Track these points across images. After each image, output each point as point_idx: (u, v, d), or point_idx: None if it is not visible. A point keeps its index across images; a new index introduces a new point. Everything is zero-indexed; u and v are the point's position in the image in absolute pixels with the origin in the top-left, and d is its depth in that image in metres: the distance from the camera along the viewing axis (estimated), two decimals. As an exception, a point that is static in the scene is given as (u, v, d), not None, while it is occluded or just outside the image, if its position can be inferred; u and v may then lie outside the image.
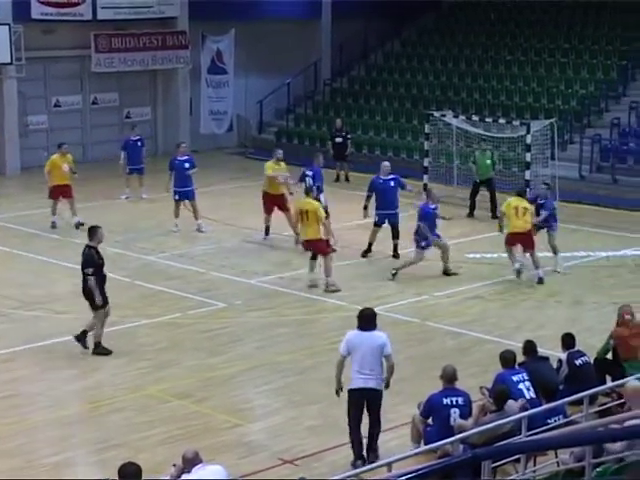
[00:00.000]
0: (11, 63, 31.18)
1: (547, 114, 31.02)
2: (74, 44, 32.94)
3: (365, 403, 13.00)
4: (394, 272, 20.79)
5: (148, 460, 12.09)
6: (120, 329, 17.91)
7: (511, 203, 20.98)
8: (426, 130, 29.37)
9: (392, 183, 22.53)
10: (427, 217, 20.80)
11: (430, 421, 12.83)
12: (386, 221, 22.16)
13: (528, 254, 20.88)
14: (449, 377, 12.86)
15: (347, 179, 31.14)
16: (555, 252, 21.59)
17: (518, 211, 20.74)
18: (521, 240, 20.79)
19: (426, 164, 28.95)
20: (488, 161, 26.87)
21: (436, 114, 29.55)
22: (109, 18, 32.95)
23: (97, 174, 30.91)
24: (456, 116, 29.44)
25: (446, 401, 12.70)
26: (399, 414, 14.04)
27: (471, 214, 26.68)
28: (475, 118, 29.21)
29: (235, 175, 32.14)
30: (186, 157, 25.14)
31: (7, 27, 30.75)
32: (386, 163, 23.22)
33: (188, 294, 19.98)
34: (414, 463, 10.82)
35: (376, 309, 18.56)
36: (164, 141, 35.65)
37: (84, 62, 33.52)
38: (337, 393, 13.12)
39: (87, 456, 13.53)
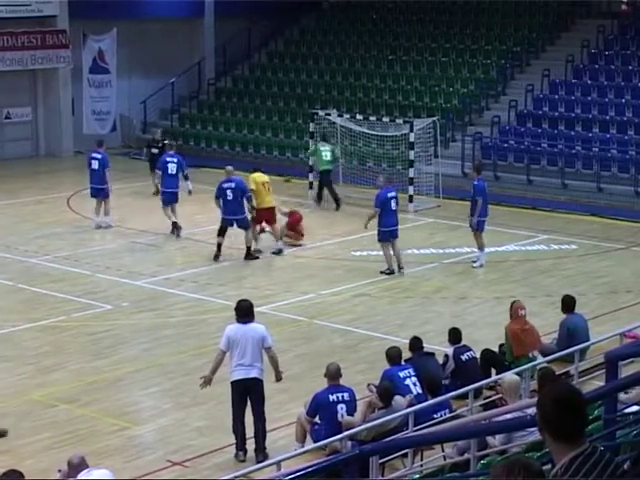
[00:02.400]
0: None
1: (429, 112, 31.41)
2: (-50, 43, 32.16)
3: (248, 395, 13.04)
4: None
5: (33, 466, 11.87)
6: (2, 333, 17.56)
7: (256, 179, 22.40)
8: (311, 129, 29.48)
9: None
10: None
11: (317, 419, 12.87)
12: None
13: (269, 228, 22.41)
14: (333, 374, 12.93)
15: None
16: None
17: (265, 186, 22.47)
18: (267, 216, 22.35)
19: (311, 163, 29.03)
20: (327, 154, 27.40)
21: (321, 113, 29.68)
22: (-14, 17, 32.27)
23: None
24: (340, 115, 29.62)
25: (332, 398, 12.76)
26: (287, 413, 14.06)
27: (319, 202, 27.60)
28: (359, 117, 29.43)
29: (120, 176, 31.71)
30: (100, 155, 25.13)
31: None
32: (229, 167, 22.81)
33: (73, 297, 19.69)
34: (303, 462, 10.86)
35: (263, 308, 18.81)
36: (46, 142, 35.07)
37: (-39, 62, 32.76)
38: (206, 384, 13.10)
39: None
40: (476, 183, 21.76)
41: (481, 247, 21.83)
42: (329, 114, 29.53)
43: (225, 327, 13.21)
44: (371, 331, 17.95)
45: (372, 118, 29.42)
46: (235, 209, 21.86)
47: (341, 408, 12.72)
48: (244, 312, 13.19)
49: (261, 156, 33.76)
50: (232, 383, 13.06)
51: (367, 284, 20.72)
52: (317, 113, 29.71)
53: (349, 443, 11.48)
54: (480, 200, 21.49)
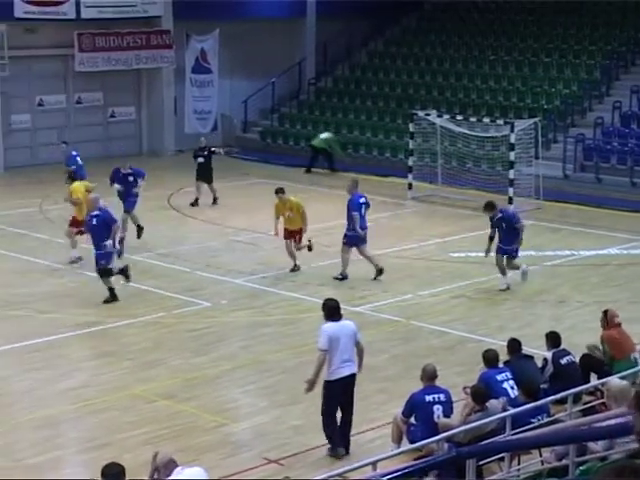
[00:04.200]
0: (-6, 62, 31.07)
1: (531, 113, 31.10)
2: (58, 43, 32.84)
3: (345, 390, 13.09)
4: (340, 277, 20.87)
5: (132, 460, 12.03)
6: (105, 329, 17.87)
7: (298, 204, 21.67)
8: (410, 129, 29.42)
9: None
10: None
11: (413, 420, 12.82)
12: None
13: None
14: (430, 375, 12.87)
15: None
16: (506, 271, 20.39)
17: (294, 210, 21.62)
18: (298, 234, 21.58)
19: (410, 163, 28.99)
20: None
21: (420, 113, 29.59)
22: (93, 17, 32.87)
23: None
24: (440, 115, 29.49)
25: (429, 398, 12.71)
26: (383, 413, 14.04)
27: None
28: (459, 117, 29.27)
29: (219, 175, 32.02)
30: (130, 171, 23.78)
31: (-10, 26, 30.63)
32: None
33: (173, 294, 19.94)
34: (399, 462, 10.83)
35: (360, 308, 18.86)
36: (148, 140, 35.60)
37: (68, 61, 33.43)
38: (311, 388, 13.12)
39: (71, 456, 13.47)
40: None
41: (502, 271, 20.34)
42: (429, 114, 29.43)
43: (321, 328, 13.18)
44: (468, 333, 17.83)
45: (472, 119, 29.27)
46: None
47: (437, 409, 12.66)
48: (336, 310, 13.22)
49: (360, 156, 33.82)
50: (333, 382, 13.05)
51: (465, 285, 20.59)
52: (417, 113, 29.63)
53: (445, 445, 11.41)
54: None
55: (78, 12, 32.45)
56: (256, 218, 25.57)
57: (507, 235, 20.11)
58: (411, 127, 29.38)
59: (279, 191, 21.77)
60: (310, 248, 21.57)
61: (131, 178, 23.50)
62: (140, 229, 23.49)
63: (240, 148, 35.92)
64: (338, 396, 13.10)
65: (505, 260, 20.24)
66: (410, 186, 28.63)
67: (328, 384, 13.05)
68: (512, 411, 12.07)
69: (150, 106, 35.51)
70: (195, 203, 27.40)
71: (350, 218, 20.80)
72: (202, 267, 21.75)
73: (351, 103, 36.61)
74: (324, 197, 28.30)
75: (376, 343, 17.30)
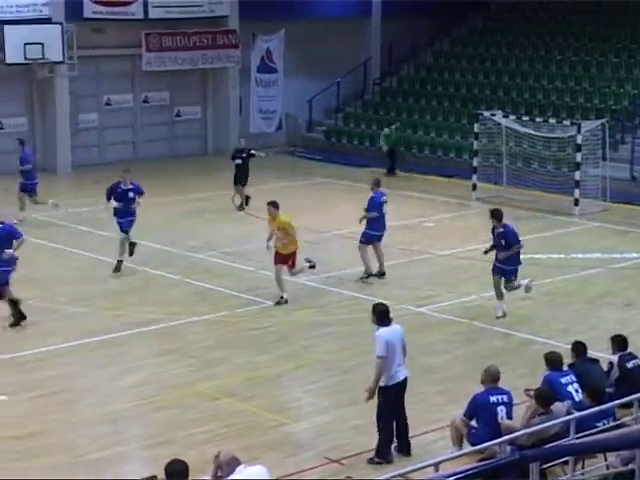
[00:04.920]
0: (63, 62, 31.39)
1: (598, 114, 30.73)
2: (125, 43, 33.11)
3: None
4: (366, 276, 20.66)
5: (195, 458, 12.05)
6: (168, 326, 17.96)
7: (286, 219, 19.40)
8: (475, 130, 29.23)
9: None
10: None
11: (474, 422, 12.69)
12: None
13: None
14: (494, 376, 12.75)
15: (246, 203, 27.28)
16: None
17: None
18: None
19: (475, 164, 28.81)
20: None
21: (486, 114, 29.39)
22: (160, 17, 33.11)
23: (147, 172, 31.03)
24: (506, 116, 29.26)
25: (493, 399, 12.59)
26: (446, 414, 13.91)
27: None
28: (525, 118, 29.02)
29: (284, 174, 32.13)
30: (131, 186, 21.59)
31: (60, 26, 30.96)
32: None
33: (236, 292, 19.98)
34: (460, 464, 10.74)
35: (424, 309, 18.77)
36: (214, 140, 35.76)
37: (135, 61, 33.70)
38: (372, 397, 13.02)
39: (134, 452, 13.54)
40: None
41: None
42: (494, 115, 29.22)
43: (377, 334, 13.07)
44: (532, 335, 17.65)
45: (538, 119, 28.99)
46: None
47: (501, 410, 12.53)
48: (386, 314, 13.15)
49: (424, 156, 33.68)
50: (391, 387, 12.98)
51: (530, 287, 20.36)
52: (482, 114, 29.43)
53: (508, 447, 11.29)
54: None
55: (146, 12, 32.72)
56: (320, 217, 25.57)
57: (505, 253, 18.44)
58: (476, 127, 29.19)
59: (270, 204, 19.46)
60: (313, 266, 19.95)
61: (131, 194, 21.31)
62: (133, 245, 21.34)
63: (304, 148, 35.93)
64: (395, 398, 13.05)
65: (503, 282, 18.56)
66: (474, 187, 28.45)
67: (385, 390, 12.98)
68: (577, 414, 11.91)
69: (215, 105, 35.67)
70: (241, 207, 26.88)
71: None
72: (265, 266, 21.72)
73: (416, 103, 36.46)
74: (397, 197, 27.99)
75: (438, 344, 17.22)
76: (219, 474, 10.39)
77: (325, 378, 15.87)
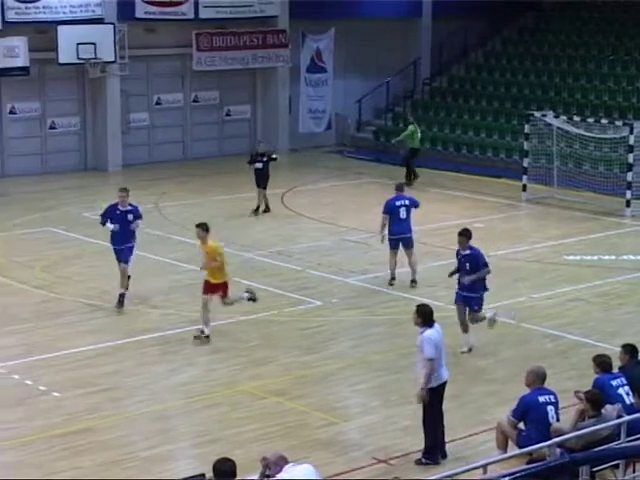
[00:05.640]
0: (115, 62, 31.64)
1: (651, 114, 30.45)
2: (176, 43, 33.31)
3: None
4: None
5: (242, 456, 12.12)
6: (218, 325, 18.02)
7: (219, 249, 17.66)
8: (526, 130, 29.05)
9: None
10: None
11: (522, 425, 12.60)
12: None
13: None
14: (542, 376, 12.69)
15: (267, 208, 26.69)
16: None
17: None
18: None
19: (525, 164, 28.65)
20: (419, 134, 30.78)
21: (537, 114, 29.20)
22: (211, 17, 33.27)
23: (198, 172, 31.22)
24: (557, 116, 29.07)
25: (542, 399, 12.51)
26: (493, 416, 13.86)
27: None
28: (577, 118, 28.81)
29: (333, 174, 32.16)
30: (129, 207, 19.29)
31: (112, 26, 31.22)
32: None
33: (285, 292, 20.04)
34: (508, 467, 10.70)
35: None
36: (263, 139, 35.76)
37: (185, 60, 33.87)
38: (424, 400, 13.01)
39: (182, 450, 13.62)
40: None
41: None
42: (545, 115, 29.03)
43: (425, 336, 13.04)
44: (583, 337, 17.53)
45: (590, 120, 28.75)
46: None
47: (550, 410, 12.46)
48: (431, 315, 13.14)
49: (474, 156, 33.55)
50: (438, 387, 13.01)
51: (580, 289, 20.24)
52: (533, 114, 29.24)
53: (557, 450, 11.22)
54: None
55: (196, 12, 32.89)
56: (368, 217, 25.51)
57: (470, 278, 16.75)
58: (527, 128, 29.00)
59: (199, 226, 17.52)
60: (253, 299, 17.87)
61: (130, 216, 18.99)
62: (127, 278, 19.15)
63: (354, 147, 35.92)
64: (440, 399, 13.09)
65: (467, 313, 16.81)
66: (524, 187, 28.29)
67: (434, 390, 12.98)
68: (628, 417, 11.82)
69: (265, 105, 35.76)
70: (257, 211, 26.32)
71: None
72: (314, 266, 21.82)
73: (466, 103, 36.31)
74: (446, 198, 28.22)
75: (487, 345, 17.14)
76: (267, 473, 10.44)
77: (374, 378, 15.87)
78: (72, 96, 32.46)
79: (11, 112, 31.47)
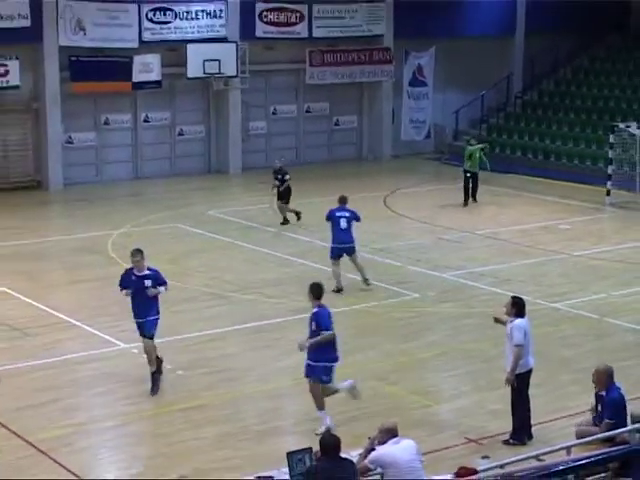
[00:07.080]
0: (237, 76, 31.91)
1: None
2: (291, 59, 33.42)
3: None
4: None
5: (343, 434, 12.00)
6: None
7: None
8: (611, 140, 28.40)
9: None
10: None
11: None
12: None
13: None
14: (612, 372, 12.39)
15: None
16: None
17: None
18: None
19: (610, 171, 28.01)
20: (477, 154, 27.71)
21: (621, 125, 28.56)
22: (323, 36, 33.31)
23: (310, 175, 31.26)
24: (640, 127, 28.36)
25: (622, 392, 12.23)
26: (579, 402, 13.55)
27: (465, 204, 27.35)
28: (659, 129, 28.04)
29: (431, 178, 31.91)
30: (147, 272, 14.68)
31: (235, 44, 31.52)
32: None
33: (385, 285, 19.89)
34: (591, 449, 10.43)
35: (558, 304, 18.31)
36: (368, 146, 35.78)
37: (299, 75, 33.95)
38: (512, 382, 12.76)
39: (290, 427, 13.59)
40: None
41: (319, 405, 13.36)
42: (629, 126, 28.36)
43: (516, 324, 12.79)
44: (662, 332, 17.03)
45: (672, 130, 27.95)
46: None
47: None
48: (524, 307, 12.99)
49: (561, 164, 32.92)
50: (526, 372, 12.83)
51: (660, 287, 19.66)
52: (617, 125, 28.59)
53: (637, 435, 10.87)
54: None
55: (310, 32, 32.98)
56: (463, 218, 25.27)
57: (314, 341, 13.23)
58: (611, 138, 28.35)
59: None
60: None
61: (148, 282, 14.45)
62: (160, 362, 14.75)
63: (451, 155, 35.57)
64: (527, 386, 12.87)
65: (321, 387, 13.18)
66: (608, 192, 27.64)
67: (521, 376, 12.78)
68: None
69: (370, 115, 35.64)
70: (285, 221, 24.91)
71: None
72: (413, 262, 21.62)
73: (555, 115, 35.65)
74: (535, 202, 27.75)
75: (571, 337, 16.80)
76: (375, 441, 10.31)
77: (466, 365, 15.64)
78: (198, 106, 32.82)
79: (145, 120, 31.98)
